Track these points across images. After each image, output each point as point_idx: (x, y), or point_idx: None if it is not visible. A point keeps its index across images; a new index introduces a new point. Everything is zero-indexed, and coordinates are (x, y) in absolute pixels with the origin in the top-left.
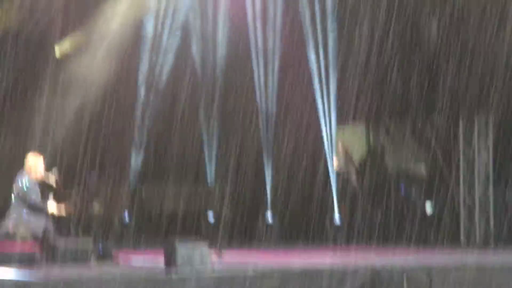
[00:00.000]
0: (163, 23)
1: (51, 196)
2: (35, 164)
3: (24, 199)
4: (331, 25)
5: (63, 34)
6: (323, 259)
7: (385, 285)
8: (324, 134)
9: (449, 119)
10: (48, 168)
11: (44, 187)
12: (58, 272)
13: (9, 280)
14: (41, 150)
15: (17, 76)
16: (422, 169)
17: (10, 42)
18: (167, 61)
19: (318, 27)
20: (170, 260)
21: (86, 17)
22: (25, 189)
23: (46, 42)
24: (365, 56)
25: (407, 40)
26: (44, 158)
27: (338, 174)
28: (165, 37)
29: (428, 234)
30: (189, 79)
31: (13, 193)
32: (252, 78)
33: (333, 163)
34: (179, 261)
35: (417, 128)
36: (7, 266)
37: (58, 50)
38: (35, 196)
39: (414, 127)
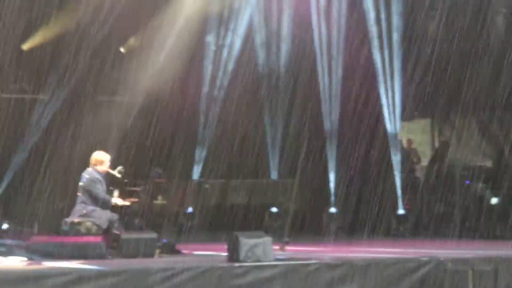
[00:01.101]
0: (227, 21)
1: (116, 190)
2: (101, 160)
3: (89, 193)
4: (396, 22)
5: (129, 32)
6: (387, 251)
7: (449, 276)
8: (388, 129)
9: None
10: (114, 164)
11: (110, 182)
12: (123, 263)
13: (75, 271)
14: (106, 146)
15: (84, 74)
16: (487, 163)
17: (76, 41)
18: (232, 57)
19: (383, 24)
20: (233, 253)
21: (152, 14)
22: (90, 182)
23: (112, 40)
24: (430, 52)
25: (472, 35)
26: (110, 154)
27: (402, 168)
28: (229, 33)
29: (493, 226)
30: (253, 75)
31: (79, 188)
32: (316, 72)
33: (398, 158)
34: (242, 254)
35: (483, 122)
36: (74, 258)
37: (124, 47)
38: (101, 190)
39: (480, 122)
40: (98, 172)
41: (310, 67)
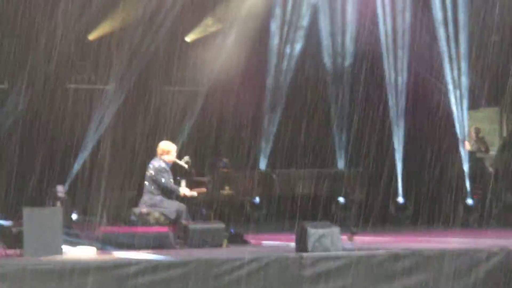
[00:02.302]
0: (292, 11)
1: (183, 180)
2: (167, 150)
3: (157, 183)
4: (462, 6)
5: (194, 21)
6: (456, 241)
7: None
8: (456, 118)
9: None
10: (180, 154)
11: (177, 172)
12: (191, 253)
13: (144, 261)
14: (174, 137)
15: (149, 64)
16: None
17: (141, 31)
18: (295, 49)
19: (449, 9)
20: (301, 243)
21: (217, 4)
22: (157, 172)
23: (177, 29)
24: (497, 39)
25: None
26: (175, 144)
27: (471, 158)
28: (293, 25)
29: None
30: (317, 66)
31: (147, 178)
32: (382, 64)
33: (465, 147)
34: (310, 244)
35: None
36: (142, 248)
37: (189, 36)
38: (167, 180)
39: None
40: (165, 162)
41: (376, 56)
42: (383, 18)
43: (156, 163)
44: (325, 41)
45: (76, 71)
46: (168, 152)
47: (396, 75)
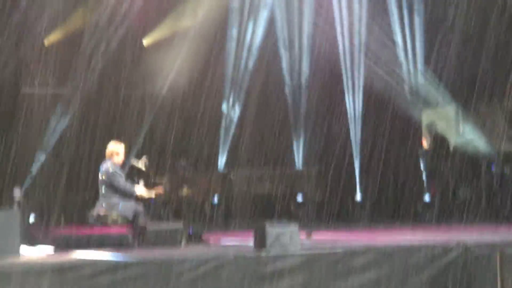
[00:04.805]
0: (249, 13)
1: (141, 181)
2: (116, 151)
3: (112, 184)
4: (417, 7)
5: (151, 25)
6: (413, 237)
7: (477, 261)
8: (412, 116)
9: None
10: (138, 155)
11: (134, 173)
12: (149, 254)
13: (102, 261)
14: (130, 138)
15: (107, 67)
16: None
17: (98, 36)
18: (253, 51)
19: (404, 9)
20: (260, 242)
21: (173, 8)
22: (109, 176)
23: (134, 33)
24: (453, 37)
25: (496, 19)
26: (134, 145)
27: (427, 154)
28: (251, 25)
29: None
30: (276, 64)
31: (100, 181)
32: (338, 60)
33: (422, 144)
34: (269, 243)
35: (508, 107)
36: (100, 248)
37: (146, 39)
38: (122, 180)
39: (504, 107)
40: (114, 164)
41: (334, 55)
42: (339, 18)
43: (105, 167)
44: (282, 41)
45: (33, 75)
46: (117, 154)
47: (353, 74)
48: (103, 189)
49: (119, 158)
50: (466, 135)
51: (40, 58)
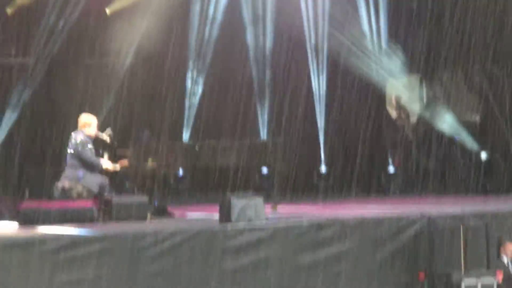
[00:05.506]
0: None
1: (106, 154)
2: (88, 123)
3: (79, 157)
4: None
5: None
6: (378, 209)
7: (441, 233)
8: (375, 86)
9: (503, 68)
10: (102, 127)
11: (99, 145)
12: (114, 227)
13: (67, 236)
14: (95, 110)
15: (70, 36)
16: (476, 118)
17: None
18: (217, 19)
19: None
20: (225, 214)
21: None
22: (79, 146)
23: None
24: (418, 6)
25: None
26: (98, 117)
27: (391, 126)
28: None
29: (483, 182)
30: (240, 35)
31: (68, 152)
32: (303, 28)
33: (388, 114)
34: (234, 215)
35: (472, 78)
36: (64, 222)
37: (109, 8)
38: (90, 153)
39: (468, 77)
40: (86, 135)
41: (298, 28)
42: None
43: (77, 136)
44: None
45: None
46: (89, 125)
47: (317, 44)
48: (70, 160)
49: (91, 129)
50: (430, 105)
51: (3, 27)
